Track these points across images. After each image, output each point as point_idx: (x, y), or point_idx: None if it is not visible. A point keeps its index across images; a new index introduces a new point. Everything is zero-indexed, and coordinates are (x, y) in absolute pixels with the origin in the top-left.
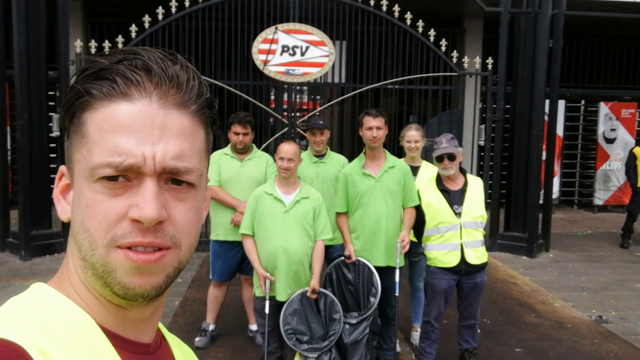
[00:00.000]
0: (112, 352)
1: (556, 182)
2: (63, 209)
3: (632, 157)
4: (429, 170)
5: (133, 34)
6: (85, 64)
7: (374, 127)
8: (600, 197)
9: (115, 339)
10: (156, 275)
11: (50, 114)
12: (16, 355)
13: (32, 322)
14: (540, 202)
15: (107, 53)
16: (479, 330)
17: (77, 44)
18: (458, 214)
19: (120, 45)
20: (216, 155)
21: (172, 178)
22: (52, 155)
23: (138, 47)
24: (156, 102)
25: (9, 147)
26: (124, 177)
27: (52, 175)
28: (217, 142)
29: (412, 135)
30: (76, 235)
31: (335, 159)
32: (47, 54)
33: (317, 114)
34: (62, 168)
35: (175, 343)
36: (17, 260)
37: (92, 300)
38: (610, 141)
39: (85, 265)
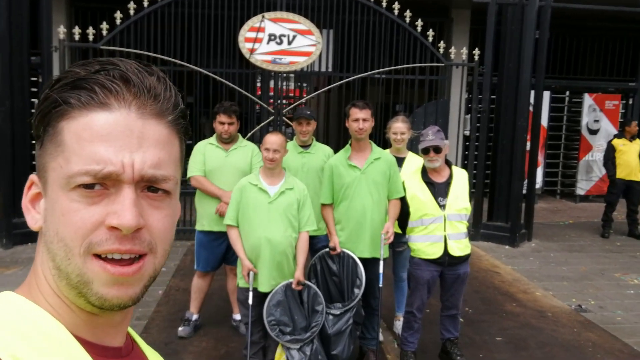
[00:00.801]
0: (85, 356)
1: (539, 172)
2: (33, 218)
3: (610, 148)
4: (414, 162)
5: (118, 21)
6: (59, 74)
7: (360, 118)
8: (582, 187)
9: (88, 346)
10: (134, 286)
11: (33, 100)
12: None
13: (3, 330)
14: (524, 192)
15: (82, 63)
16: (460, 320)
17: (61, 30)
18: (442, 206)
19: (104, 32)
20: (201, 145)
21: (149, 186)
22: (34, 142)
23: (114, 57)
24: (135, 112)
25: None
26: (101, 185)
27: (34, 162)
28: (202, 131)
29: (399, 127)
30: (50, 245)
31: (321, 150)
32: (29, 40)
33: (304, 103)
34: (33, 177)
35: (147, 348)
36: None
37: (62, 307)
38: (593, 132)
39: (60, 274)
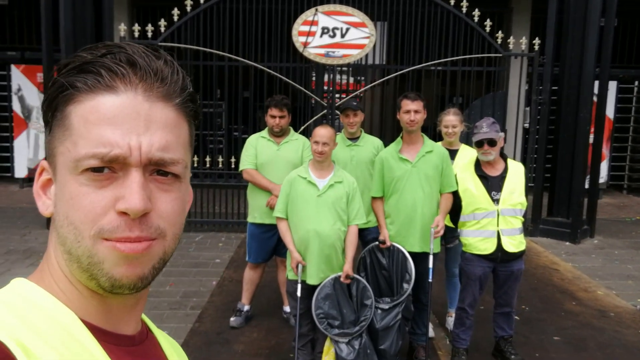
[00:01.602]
0: (95, 345)
1: (605, 166)
2: (44, 203)
3: None
4: (467, 154)
5: (175, 18)
6: (67, 58)
7: (411, 110)
8: None
9: (99, 333)
10: (143, 265)
11: None
12: None
13: (12, 317)
14: (587, 186)
15: (89, 47)
16: (516, 317)
17: (122, 28)
18: (496, 201)
19: (162, 29)
20: (253, 138)
21: (158, 169)
22: None
23: (120, 42)
24: (141, 94)
25: None
26: (109, 168)
27: None
28: (256, 124)
29: (450, 120)
30: (60, 229)
31: (370, 142)
32: (93, 38)
33: (358, 96)
34: (43, 163)
35: (162, 336)
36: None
37: (74, 294)
38: None
39: (70, 258)
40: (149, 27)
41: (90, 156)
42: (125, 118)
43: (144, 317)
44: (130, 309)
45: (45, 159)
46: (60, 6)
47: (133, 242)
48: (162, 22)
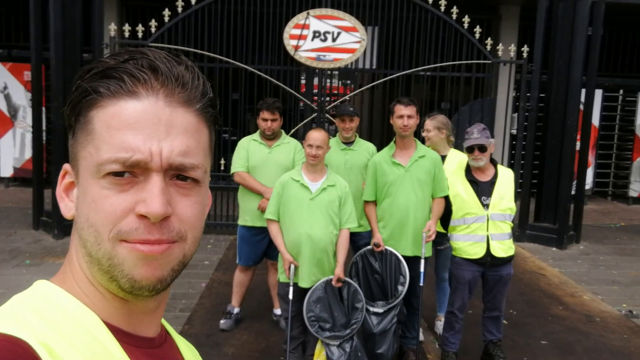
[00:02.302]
0: (117, 346)
1: (590, 172)
2: (67, 206)
3: None
4: (456, 158)
5: (166, 18)
6: (89, 64)
7: (405, 115)
8: (635, 188)
9: (120, 334)
10: (162, 267)
11: None
12: (21, 350)
13: (36, 318)
14: (573, 193)
15: (112, 53)
16: (504, 322)
17: (111, 28)
18: (486, 206)
19: (153, 30)
20: (245, 141)
21: (178, 174)
22: None
23: (143, 47)
24: (163, 100)
25: (44, 127)
26: (130, 173)
27: None
28: (247, 127)
29: (425, 123)
30: (81, 231)
31: (364, 147)
32: (82, 37)
33: (347, 100)
34: (66, 166)
35: (181, 340)
36: (50, 238)
37: (96, 296)
38: None
39: (91, 260)
40: (140, 27)
41: (112, 161)
42: (147, 123)
43: (163, 321)
44: (151, 312)
45: (68, 162)
46: (49, 4)
47: (153, 244)
48: (153, 23)
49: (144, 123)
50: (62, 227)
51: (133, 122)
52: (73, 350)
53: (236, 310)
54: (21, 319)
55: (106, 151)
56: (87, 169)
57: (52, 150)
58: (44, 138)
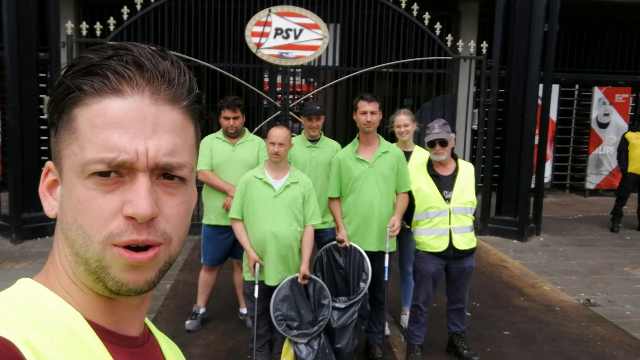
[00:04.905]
0: (99, 345)
1: (548, 166)
2: (50, 204)
3: (624, 142)
4: (421, 156)
5: (125, 16)
6: (72, 59)
7: (368, 111)
8: (592, 181)
9: (103, 333)
10: (149, 271)
11: (42, 96)
12: (4, 349)
13: (20, 316)
14: (532, 186)
15: (95, 48)
16: (468, 314)
17: (69, 26)
18: (447, 199)
19: (112, 28)
20: (208, 139)
21: (164, 173)
22: (43, 137)
23: (127, 42)
24: (148, 98)
25: None
26: (116, 172)
27: (43, 158)
28: (209, 125)
29: (401, 119)
30: (68, 232)
31: (329, 145)
32: (37, 36)
33: (311, 97)
34: (49, 164)
35: (162, 338)
36: (8, 243)
37: (79, 294)
38: (603, 126)
39: (78, 260)
40: (98, 26)
41: (97, 161)
42: (132, 122)
43: (146, 320)
44: (135, 310)
45: (51, 159)
46: (2, 2)
47: (139, 252)
48: (112, 21)
49: (129, 122)
50: (21, 231)
51: (118, 121)
52: (56, 349)
53: (202, 310)
54: (4, 317)
55: (91, 151)
56: (72, 168)
57: (8, 153)
58: (0, 140)
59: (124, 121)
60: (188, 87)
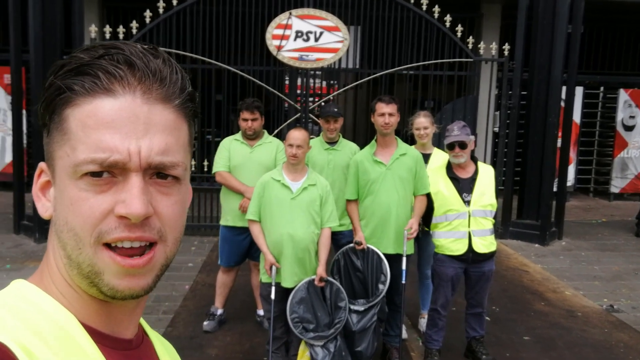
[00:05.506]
0: (94, 348)
1: (572, 169)
2: (44, 206)
3: None
4: (440, 158)
5: (147, 19)
6: (63, 59)
7: (386, 113)
8: (616, 185)
9: (97, 336)
10: (145, 276)
11: None
12: None
13: (14, 319)
14: (555, 189)
15: (86, 48)
16: (487, 318)
17: (92, 29)
18: (467, 202)
19: (134, 31)
20: (227, 141)
21: (158, 172)
22: None
23: (118, 41)
24: (140, 97)
25: (25, 131)
26: (108, 172)
27: None
28: (230, 128)
29: (421, 122)
30: (60, 234)
31: (347, 147)
32: (62, 39)
33: (331, 100)
34: (42, 165)
35: (157, 339)
36: (31, 242)
37: (73, 297)
38: (629, 128)
39: (70, 263)
40: (121, 29)
41: (89, 161)
42: (124, 122)
43: (141, 320)
44: (130, 312)
45: (44, 161)
46: (29, 6)
47: (134, 258)
48: (134, 24)
49: (121, 122)
50: (44, 231)
51: (110, 121)
52: (49, 352)
53: (219, 311)
54: None
55: (83, 151)
56: (64, 169)
57: (33, 154)
58: (25, 141)
59: (116, 121)
60: (180, 85)
